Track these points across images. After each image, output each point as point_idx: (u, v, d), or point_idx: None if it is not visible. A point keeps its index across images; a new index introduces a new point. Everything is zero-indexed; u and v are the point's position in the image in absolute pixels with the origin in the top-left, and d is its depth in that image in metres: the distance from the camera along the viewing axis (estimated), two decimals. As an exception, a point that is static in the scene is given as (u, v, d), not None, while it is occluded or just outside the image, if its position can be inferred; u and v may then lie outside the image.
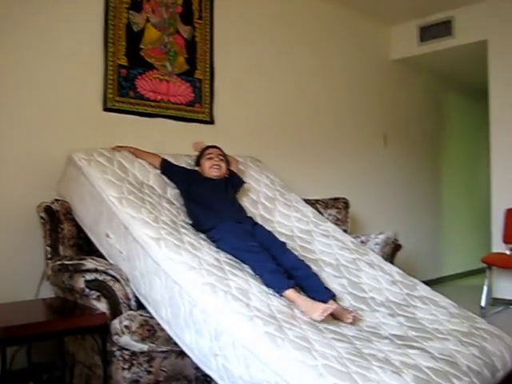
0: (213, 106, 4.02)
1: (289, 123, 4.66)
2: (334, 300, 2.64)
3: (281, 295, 2.44)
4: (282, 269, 2.60)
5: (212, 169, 3.17)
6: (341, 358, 2.02)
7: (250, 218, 3.13)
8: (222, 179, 3.20)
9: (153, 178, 3.01)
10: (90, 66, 3.39)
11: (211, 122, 4.01)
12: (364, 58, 5.54)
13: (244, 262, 2.64)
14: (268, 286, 2.48)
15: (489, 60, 5.30)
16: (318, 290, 2.64)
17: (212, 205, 2.96)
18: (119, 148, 3.15)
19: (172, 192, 3.05)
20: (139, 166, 3.00)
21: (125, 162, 2.97)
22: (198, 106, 3.92)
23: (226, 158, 3.31)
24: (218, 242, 2.74)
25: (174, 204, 2.98)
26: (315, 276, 2.75)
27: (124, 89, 3.50)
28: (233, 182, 3.30)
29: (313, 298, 2.54)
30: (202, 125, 3.95)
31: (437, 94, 6.85)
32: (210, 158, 3.20)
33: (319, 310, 2.33)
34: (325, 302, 2.53)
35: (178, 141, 3.70)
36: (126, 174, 2.89)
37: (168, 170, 3.15)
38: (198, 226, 2.86)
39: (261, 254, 2.64)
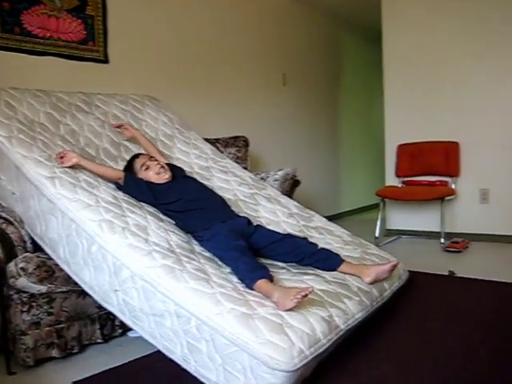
0: (107, 45, 3.87)
1: (187, 63, 4.58)
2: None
3: (251, 288, 2.13)
4: (258, 262, 2.34)
5: (160, 175, 2.79)
6: (238, 289, 2.09)
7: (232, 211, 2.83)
8: (175, 176, 2.88)
9: (43, 115, 2.88)
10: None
11: (105, 61, 3.86)
12: (262, -4, 5.51)
13: (226, 262, 2.36)
14: (240, 280, 2.21)
15: (382, 1, 5.44)
16: (328, 258, 2.57)
17: (196, 206, 2.65)
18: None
19: (66, 129, 2.94)
20: (28, 105, 2.86)
21: (12, 100, 2.81)
22: (90, 45, 3.76)
23: (154, 157, 2.97)
24: (206, 242, 2.49)
25: (68, 141, 2.86)
26: (322, 249, 2.62)
27: (8, 24, 3.27)
28: (179, 172, 2.98)
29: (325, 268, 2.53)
30: (96, 64, 3.80)
31: (335, 34, 6.97)
32: (148, 168, 2.80)
33: (291, 294, 1.99)
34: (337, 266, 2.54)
35: (71, 80, 3.57)
36: (15, 112, 2.75)
37: (132, 183, 2.68)
38: (186, 229, 2.61)
39: (245, 253, 2.33)
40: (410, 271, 3.15)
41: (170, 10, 4.41)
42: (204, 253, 2.43)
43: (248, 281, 2.15)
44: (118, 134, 3.18)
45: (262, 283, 2.12)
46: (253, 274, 2.16)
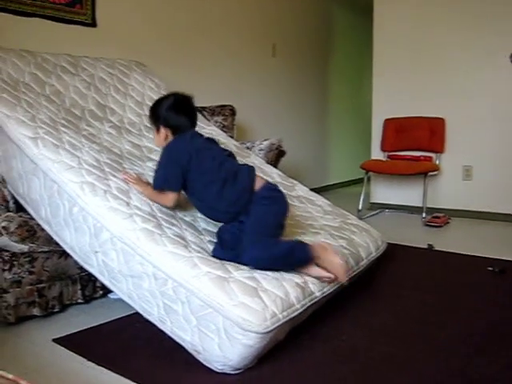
0: (95, 8, 3.81)
1: (176, 30, 4.54)
2: None
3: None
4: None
5: None
6: (215, 255, 2.14)
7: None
8: None
9: (28, 76, 2.86)
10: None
11: (93, 24, 3.81)
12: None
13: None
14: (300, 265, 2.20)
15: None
16: None
17: None
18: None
19: (51, 89, 2.91)
20: (12, 64, 2.83)
21: (-4, 60, 2.80)
22: (78, 7, 3.70)
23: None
24: None
25: (54, 102, 2.83)
26: None
27: (-7, -17, 3.23)
28: None
29: None
30: (84, 27, 3.75)
31: (325, 7, 6.91)
32: None
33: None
34: None
35: (57, 43, 3.53)
36: (-1, 72, 2.74)
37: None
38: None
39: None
40: (389, 243, 3.20)
41: (161, -26, 4.36)
42: (185, 218, 2.45)
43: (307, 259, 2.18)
44: (103, 97, 3.17)
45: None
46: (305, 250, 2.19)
